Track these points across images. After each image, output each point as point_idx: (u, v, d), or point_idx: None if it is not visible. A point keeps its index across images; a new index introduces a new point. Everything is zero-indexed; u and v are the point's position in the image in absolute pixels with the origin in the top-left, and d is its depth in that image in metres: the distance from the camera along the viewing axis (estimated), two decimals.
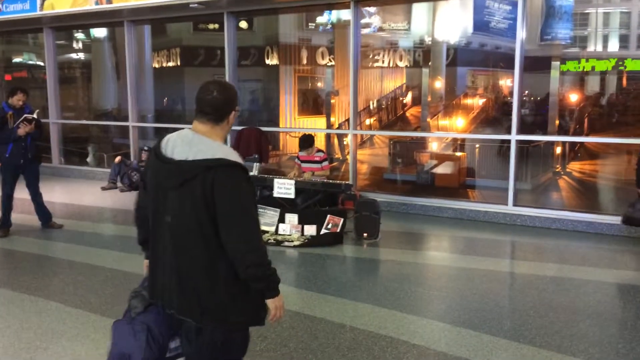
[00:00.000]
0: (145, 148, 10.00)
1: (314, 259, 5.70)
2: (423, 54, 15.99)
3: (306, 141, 7.33)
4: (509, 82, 16.77)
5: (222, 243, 2.12)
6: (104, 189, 9.50)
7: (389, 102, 16.97)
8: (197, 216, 2.12)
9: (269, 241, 6.10)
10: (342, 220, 6.25)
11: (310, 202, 6.73)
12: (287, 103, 14.47)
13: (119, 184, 9.55)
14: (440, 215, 7.51)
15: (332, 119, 14.53)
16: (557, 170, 10.86)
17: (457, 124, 15.19)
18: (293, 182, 6.62)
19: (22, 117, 6.28)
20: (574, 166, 11.33)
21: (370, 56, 15.82)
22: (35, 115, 6.42)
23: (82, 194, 9.29)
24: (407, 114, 17.45)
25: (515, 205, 7.10)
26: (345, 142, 12.42)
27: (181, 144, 2.19)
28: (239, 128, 8.64)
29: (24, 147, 6.39)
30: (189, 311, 2.21)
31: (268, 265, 2.16)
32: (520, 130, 7.17)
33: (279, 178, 6.83)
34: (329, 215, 6.21)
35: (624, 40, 19.05)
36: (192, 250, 2.16)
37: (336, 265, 5.68)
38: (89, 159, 11.61)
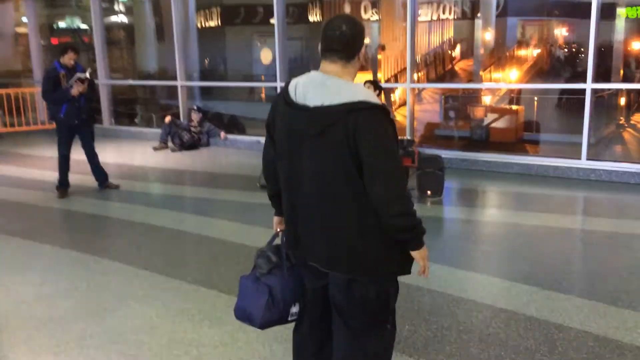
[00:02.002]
0: (195, 107, 9.85)
1: None
2: (472, 5, 15.20)
3: (374, 82, 6.93)
4: (565, 32, 15.94)
5: (367, 190, 1.93)
6: (155, 149, 9.44)
7: (437, 56, 16.33)
8: (341, 164, 1.94)
9: None
10: None
11: None
12: None
13: (169, 144, 9.48)
14: (505, 171, 7.12)
15: (378, 75, 14.08)
16: (620, 122, 10.25)
17: (510, 77, 14.51)
18: None
19: (75, 77, 6.15)
20: (639, 118, 10.66)
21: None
22: (87, 75, 6.25)
23: (134, 155, 9.26)
24: (457, 67, 16.79)
25: (589, 159, 6.64)
26: (392, 99, 12.00)
27: (313, 88, 1.99)
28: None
29: (78, 108, 6.26)
30: (336, 263, 2.05)
31: (414, 214, 1.98)
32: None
33: None
34: None
35: None
36: (339, 199, 1.99)
37: None
38: (137, 120, 11.58)
